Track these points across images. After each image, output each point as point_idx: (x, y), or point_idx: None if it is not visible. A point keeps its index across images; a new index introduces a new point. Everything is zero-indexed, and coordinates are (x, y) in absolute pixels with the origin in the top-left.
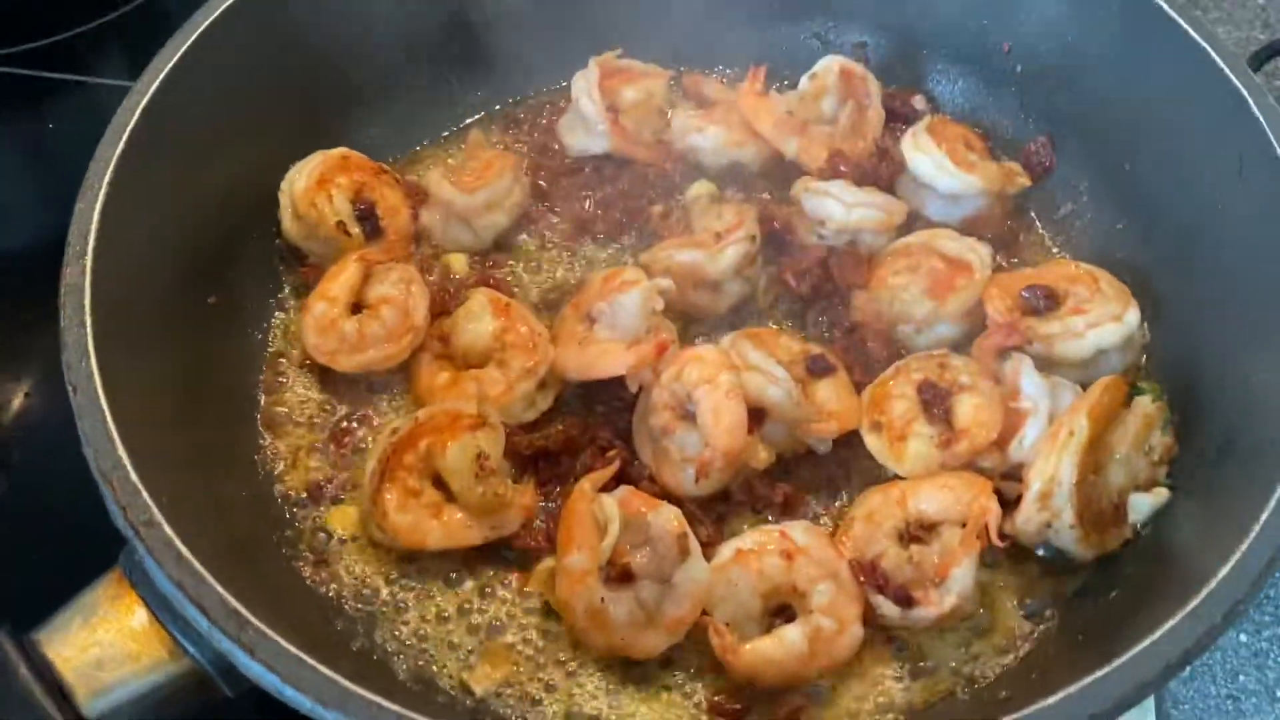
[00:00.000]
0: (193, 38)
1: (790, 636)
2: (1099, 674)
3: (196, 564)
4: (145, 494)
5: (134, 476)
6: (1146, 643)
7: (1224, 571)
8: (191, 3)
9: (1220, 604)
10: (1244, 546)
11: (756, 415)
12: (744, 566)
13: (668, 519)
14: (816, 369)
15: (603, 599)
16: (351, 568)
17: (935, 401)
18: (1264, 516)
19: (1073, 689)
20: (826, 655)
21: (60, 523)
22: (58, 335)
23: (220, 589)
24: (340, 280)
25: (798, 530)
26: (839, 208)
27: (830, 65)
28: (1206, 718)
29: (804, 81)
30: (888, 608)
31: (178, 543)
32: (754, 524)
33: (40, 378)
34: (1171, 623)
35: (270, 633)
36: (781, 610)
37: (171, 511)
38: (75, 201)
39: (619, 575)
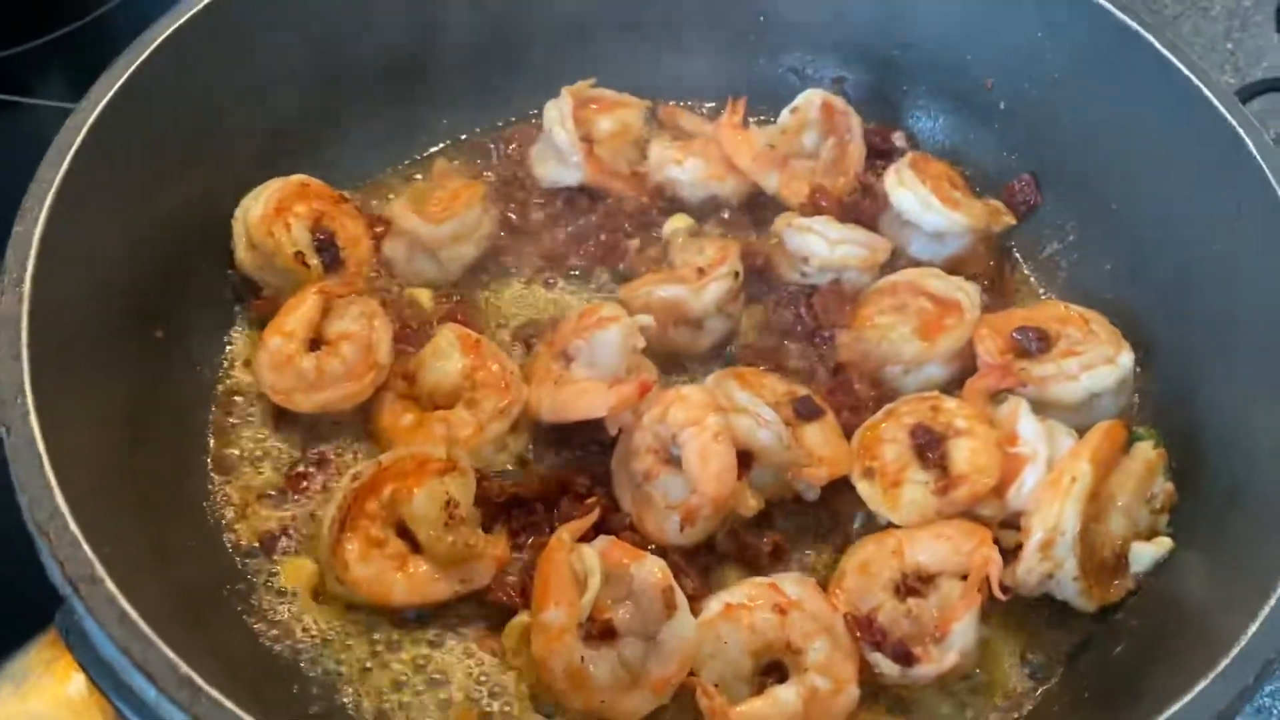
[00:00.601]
0: (144, 55)
1: (784, 697)
2: None
3: (143, 625)
4: (86, 546)
5: (73, 527)
6: (1177, 707)
7: (1253, 629)
8: (137, 22)
9: (1251, 664)
10: (1271, 603)
11: (743, 460)
12: (734, 622)
13: (652, 571)
14: (804, 411)
15: (583, 658)
16: (309, 624)
17: (929, 446)
18: None
19: None
20: (822, 717)
21: None
22: None
23: (170, 653)
24: (298, 314)
25: (789, 583)
26: (823, 244)
27: (812, 99)
28: None
29: (785, 115)
30: (886, 665)
31: (122, 601)
32: (741, 576)
33: None
34: (1203, 685)
35: (226, 703)
36: (772, 669)
37: (115, 566)
38: (12, 225)
39: (600, 632)
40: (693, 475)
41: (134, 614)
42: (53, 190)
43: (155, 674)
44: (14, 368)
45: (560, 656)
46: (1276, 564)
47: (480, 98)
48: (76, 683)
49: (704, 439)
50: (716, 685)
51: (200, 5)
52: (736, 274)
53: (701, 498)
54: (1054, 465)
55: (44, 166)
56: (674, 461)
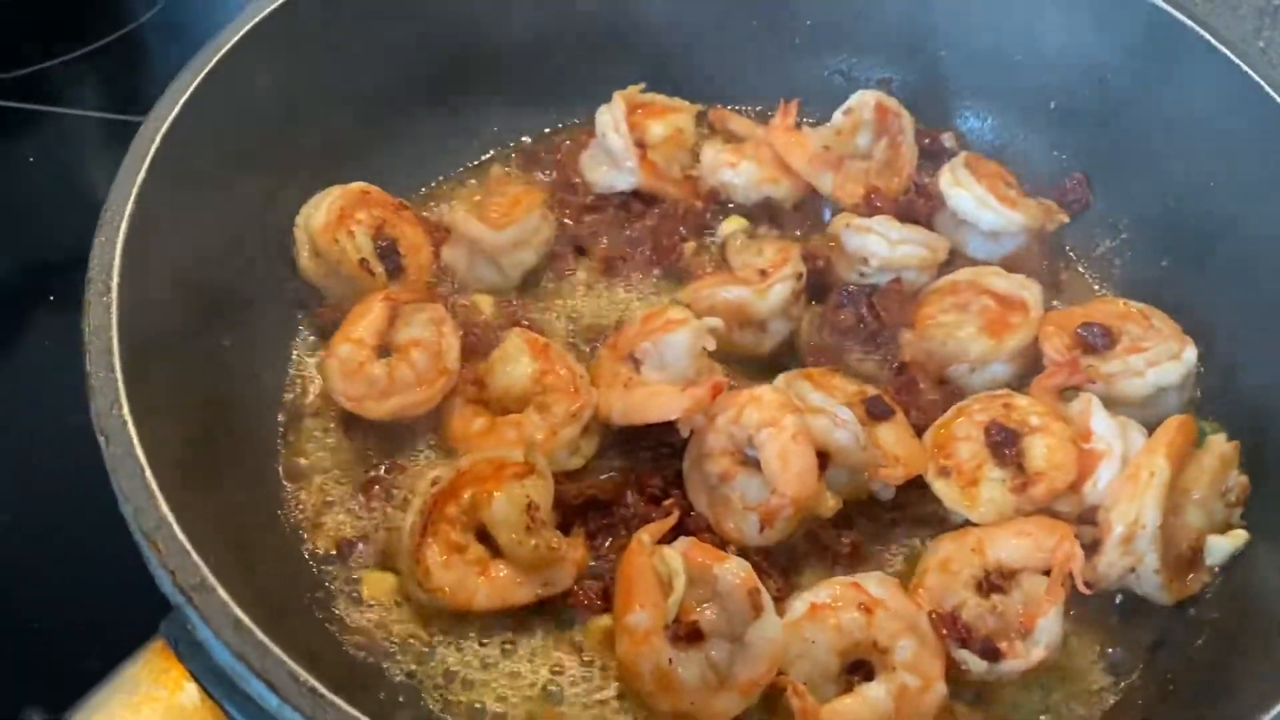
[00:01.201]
0: (211, 63)
1: (875, 695)
2: None
3: (259, 632)
4: (195, 555)
5: (180, 535)
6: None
7: None
8: (172, 34)
9: None
10: None
11: (820, 460)
12: (820, 622)
13: (736, 572)
14: (876, 411)
15: (670, 660)
16: (391, 631)
17: (1005, 443)
18: None
19: None
20: (913, 715)
21: (86, 588)
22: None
23: (289, 660)
24: (366, 321)
25: (872, 582)
26: (883, 244)
27: (866, 99)
28: None
29: (838, 116)
30: (974, 662)
31: (235, 608)
32: (819, 577)
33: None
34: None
35: (349, 709)
36: (856, 668)
37: (220, 574)
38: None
39: (686, 634)
40: (773, 476)
41: (248, 621)
42: (131, 199)
43: (275, 682)
44: (108, 378)
45: (648, 659)
46: None
47: (530, 105)
48: (189, 692)
49: (783, 439)
50: (804, 684)
51: (263, 14)
52: (800, 275)
53: (782, 499)
54: (1129, 460)
55: (122, 174)
56: (750, 463)
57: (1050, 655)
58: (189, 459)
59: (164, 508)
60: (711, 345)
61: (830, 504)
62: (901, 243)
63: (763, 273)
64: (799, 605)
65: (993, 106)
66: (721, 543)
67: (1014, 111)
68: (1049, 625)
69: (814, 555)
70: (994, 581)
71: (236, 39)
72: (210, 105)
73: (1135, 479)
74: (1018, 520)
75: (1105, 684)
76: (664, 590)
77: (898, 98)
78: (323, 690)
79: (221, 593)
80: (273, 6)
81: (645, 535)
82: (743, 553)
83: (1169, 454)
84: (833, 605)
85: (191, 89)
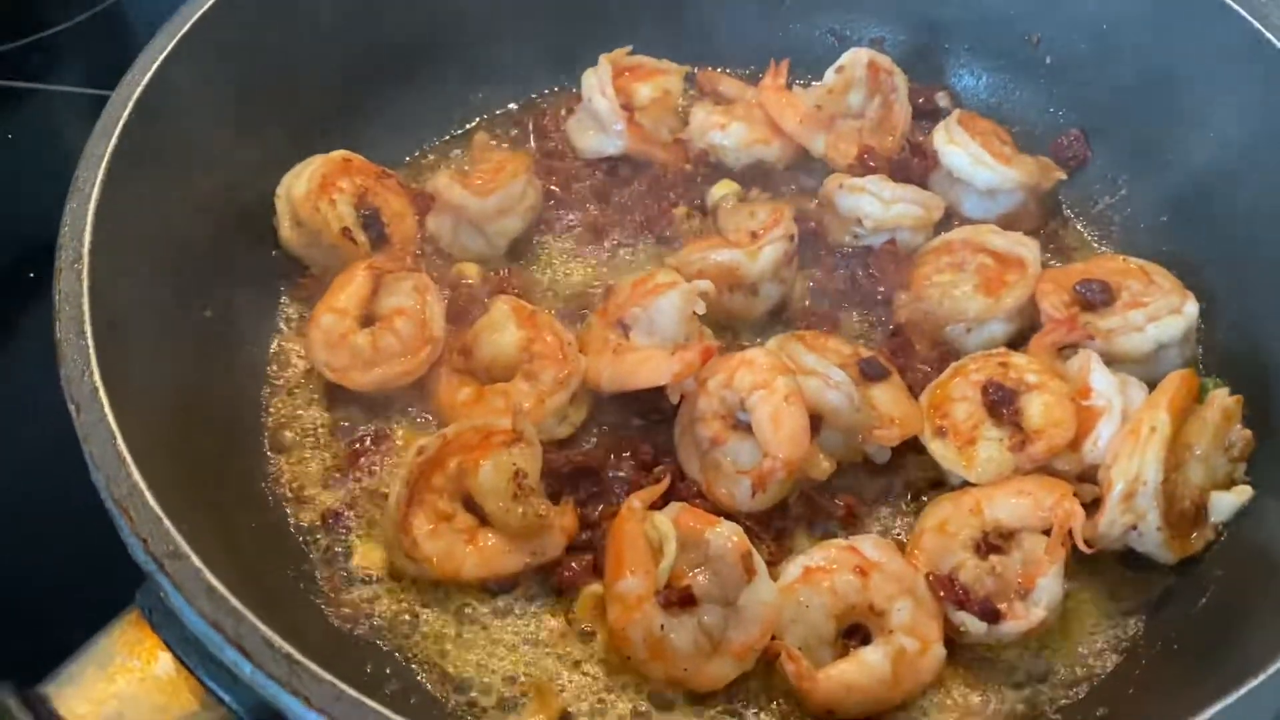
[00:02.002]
0: (184, 29)
1: (872, 659)
2: (1230, 700)
3: (233, 599)
4: (167, 521)
5: (153, 502)
6: (1256, 682)
7: None
8: (150, 10)
9: None
10: None
11: (813, 423)
12: (815, 586)
13: (728, 536)
14: (870, 372)
15: (662, 626)
16: (377, 602)
17: (1003, 402)
18: None
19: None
20: (911, 678)
21: (61, 558)
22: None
23: (263, 626)
24: (349, 291)
25: (867, 544)
26: (876, 205)
27: (858, 57)
28: None
29: (830, 75)
30: (972, 624)
31: (208, 575)
32: (814, 540)
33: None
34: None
35: (324, 674)
36: (853, 631)
37: (195, 542)
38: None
39: (679, 599)
40: (765, 439)
41: (222, 588)
42: (104, 164)
43: (250, 649)
44: (78, 344)
45: (639, 626)
46: None
47: (515, 71)
48: (163, 662)
49: (775, 401)
50: (800, 649)
51: None
52: (791, 237)
53: (774, 461)
54: (1129, 416)
55: (93, 141)
56: (742, 426)
57: (1050, 616)
58: (166, 429)
59: (135, 475)
60: (701, 309)
61: (824, 466)
62: (895, 202)
63: (754, 235)
64: (793, 569)
65: (987, 63)
66: (714, 508)
67: (1009, 68)
68: (1049, 585)
69: (808, 519)
70: (992, 542)
71: (210, 5)
72: (185, 71)
73: (1136, 434)
74: (1016, 479)
75: (1107, 644)
76: (655, 556)
77: (890, 56)
78: (299, 657)
79: (195, 559)
80: None
81: (636, 501)
82: (735, 518)
83: (1170, 409)
84: (827, 568)
85: (165, 54)
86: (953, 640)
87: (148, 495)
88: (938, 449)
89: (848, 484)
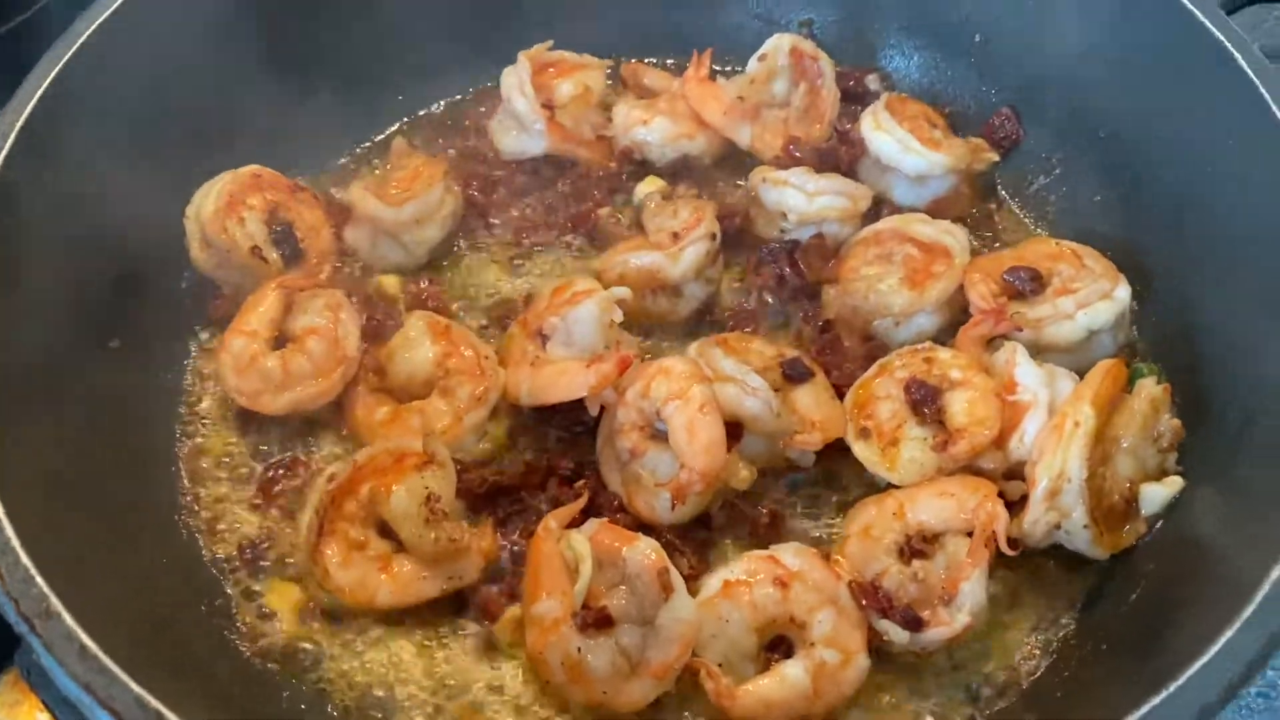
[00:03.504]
0: (73, 48)
1: (791, 673)
2: (1155, 701)
3: (105, 659)
4: (41, 581)
5: (26, 560)
6: (1205, 660)
7: (1264, 591)
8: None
9: (1263, 630)
10: None
11: (733, 430)
12: (734, 600)
13: (645, 553)
14: (793, 374)
15: (579, 649)
16: (294, 634)
17: (925, 400)
18: None
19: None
20: (832, 691)
21: None
22: None
23: (135, 686)
24: (259, 312)
25: (788, 554)
26: (800, 197)
27: (779, 44)
28: (1238, 717)
29: (752, 63)
30: (895, 633)
31: (82, 635)
32: (741, 550)
33: None
34: (1229, 633)
35: None
36: (777, 644)
37: (76, 597)
38: None
39: (595, 621)
40: (680, 450)
41: (95, 647)
42: None
43: (121, 710)
44: None
45: (556, 649)
46: None
47: (436, 71)
48: None
49: (690, 411)
50: (721, 665)
51: None
52: (713, 236)
53: (691, 473)
54: (1055, 410)
55: None
56: (660, 437)
57: (975, 621)
58: (58, 471)
59: (8, 531)
60: (619, 317)
61: (744, 475)
62: (819, 194)
63: (675, 235)
64: (713, 583)
65: (917, 43)
66: (636, 522)
67: (939, 47)
68: (972, 590)
69: (732, 528)
70: (916, 546)
71: (104, 18)
72: (77, 93)
73: (1060, 430)
74: (939, 480)
75: (1038, 646)
76: (572, 577)
77: (819, 39)
78: (168, 714)
79: (68, 620)
80: None
81: (552, 521)
82: (658, 531)
83: (1095, 402)
84: (747, 581)
85: (52, 76)
86: (881, 648)
87: (21, 554)
88: (861, 450)
89: (773, 490)
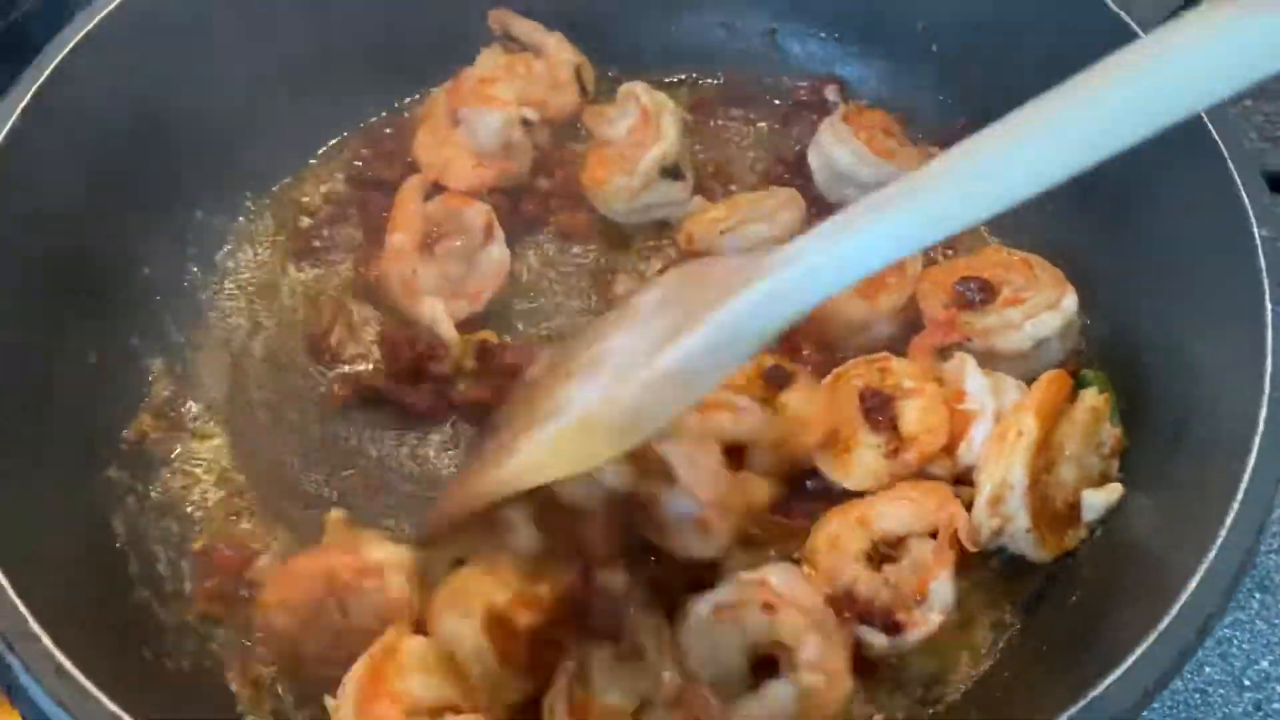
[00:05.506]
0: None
1: (777, 695)
2: (1071, 711)
3: (82, 678)
4: (17, 600)
5: (3, 580)
6: (1119, 672)
7: (1193, 584)
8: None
9: (1193, 621)
10: (1211, 555)
11: (738, 452)
12: (725, 624)
13: (478, 210)
14: (777, 379)
15: (414, 270)
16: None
17: (879, 409)
18: (1229, 520)
19: None
20: (818, 713)
21: None
22: None
23: (110, 704)
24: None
25: (775, 576)
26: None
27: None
28: (1176, 713)
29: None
30: (876, 638)
31: (59, 655)
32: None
33: None
34: (1143, 647)
35: None
36: (765, 664)
37: (53, 616)
38: None
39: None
40: (687, 488)
41: (71, 667)
42: None
43: None
44: None
45: (395, 267)
46: (1218, 508)
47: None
48: None
49: (687, 449)
50: (713, 685)
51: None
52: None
53: (705, 508)
54: (1001, 419)
55: None
56: (671, 478)
57: (947, 618)
58: (42, 494)
59: None
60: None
61: (764, 490)
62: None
63: None
64: (703, 608)
65: (877, 53)
66: (691, 564)
67: (899, 58)
68: (941, 588)
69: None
70: (883, 552)
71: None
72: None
73: (1003, 439)
74: (898, 486)
75: (986, 643)
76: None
77: (780, 47)
78: None
79: (45, 641)
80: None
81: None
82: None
83: (1038, 412)
84: (738, 605)
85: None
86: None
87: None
88: (819, 458)
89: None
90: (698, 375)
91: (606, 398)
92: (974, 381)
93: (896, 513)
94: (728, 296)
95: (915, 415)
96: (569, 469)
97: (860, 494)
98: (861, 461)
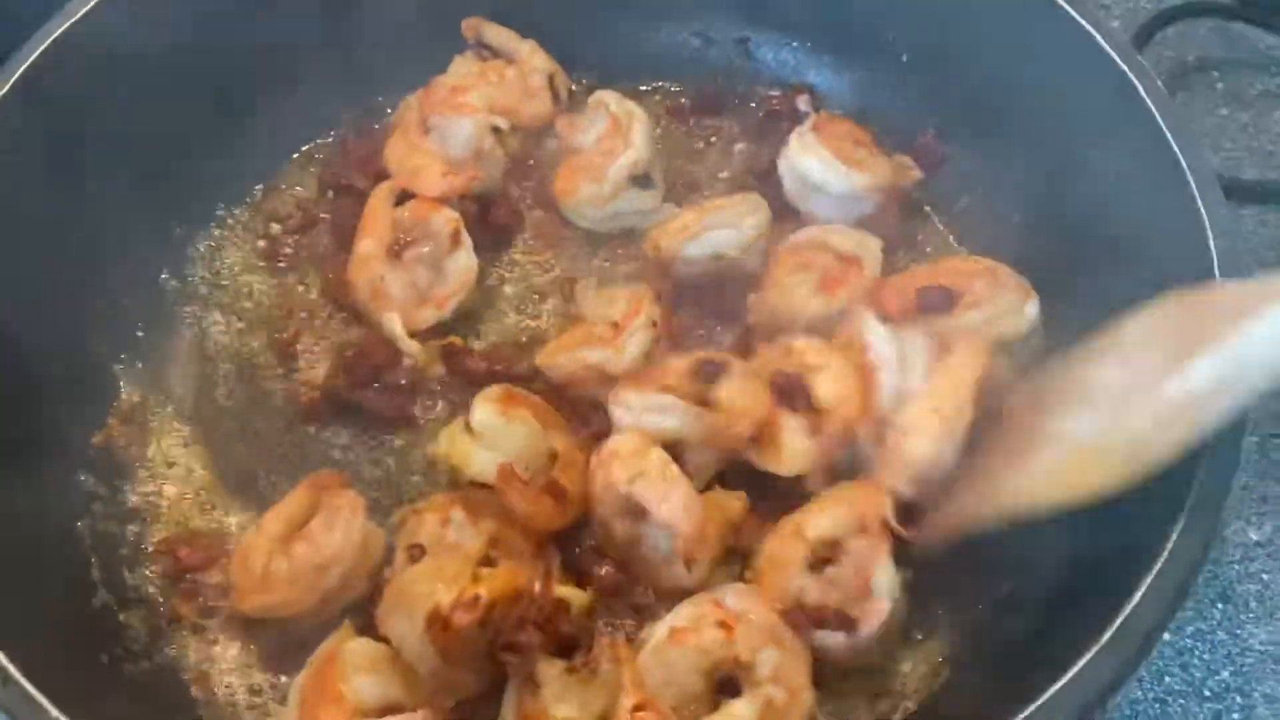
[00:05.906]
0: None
1: (739, 714)
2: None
3: (30, 688)
4: None
5: None
6: (1059, 685)
7: (1136, 598)
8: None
9: (1134, 638)
10: (1156, 569)
11: (677, 451)
12: (682, 646)
13: (447, 217)
14: (710, 373)
15: (383, 276)
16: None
17: (791, 390)
18: (1174, 535)
19: None
20: None
21: None
22: None
23: (56, 712)
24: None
25: (729, 595)
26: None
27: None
28: None
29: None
30: (834, 639)
31: (9, 666)
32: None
33: None
34: (1082, 662)
35: None
36: (726, 684)
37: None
38: None
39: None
40: (665, 524)
41: (19, 676)
42: None
43: None
44: None
45: (364, 273)
46: (1169, 512)
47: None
48: None
49: (654, 483)
50: (675, 708)
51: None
52: (654, 323)
53: (684, 540)
54: (907, 365)
55: None
56: (645, 514)
57: (895, 605)
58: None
59: None
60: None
61: (736, 505)
62: (707, 230)
63: (615, 325)
64: (660, 630)
65: (848, 63)
66: (684, 592)
67: (869, 67)
68: (884, 573)
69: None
70: (823, 556)
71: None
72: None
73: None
74: (822, 495)
75: (943, 655)
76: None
77: (755, 58)
78: None
79: None
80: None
81: (385, 187)
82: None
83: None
84: (692, 628)
85: None
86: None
87: None
88: (750, 452)
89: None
90: (1203, 409)
91: (1114, 428)
92: (873, 333)
93: (827, 518)
94: (1236, 324)
95: (828, 387)
96: (1067, 496)
97: (798, 478)
98: (789, 446)
